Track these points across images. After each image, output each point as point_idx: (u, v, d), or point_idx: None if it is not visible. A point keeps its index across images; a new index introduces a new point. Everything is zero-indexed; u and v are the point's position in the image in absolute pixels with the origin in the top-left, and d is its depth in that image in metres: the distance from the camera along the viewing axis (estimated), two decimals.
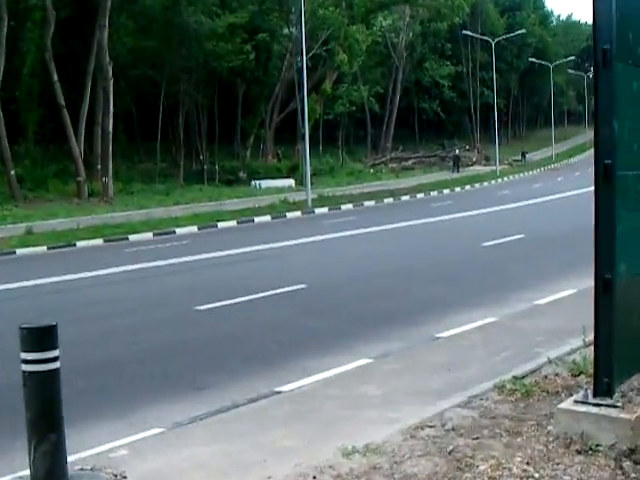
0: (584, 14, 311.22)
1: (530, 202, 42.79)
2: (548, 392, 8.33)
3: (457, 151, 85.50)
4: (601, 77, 6.54)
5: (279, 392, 9.50)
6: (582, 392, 7.07)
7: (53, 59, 51.43)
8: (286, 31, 71.72)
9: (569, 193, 48.98)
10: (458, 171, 77.70)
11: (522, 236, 25.75)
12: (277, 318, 14.39)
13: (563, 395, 8.14)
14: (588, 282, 16.02)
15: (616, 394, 6.84)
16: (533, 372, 9.21)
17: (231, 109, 73.82)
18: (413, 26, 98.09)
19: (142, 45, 64.01)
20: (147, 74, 65.36)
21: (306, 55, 52.48)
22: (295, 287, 17.21)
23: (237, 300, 15.94)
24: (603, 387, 6.77)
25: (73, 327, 13.16)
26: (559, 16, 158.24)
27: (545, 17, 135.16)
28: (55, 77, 50.81)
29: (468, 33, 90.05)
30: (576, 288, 15.11)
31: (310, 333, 13.03)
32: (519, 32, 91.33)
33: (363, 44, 71.67)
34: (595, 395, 6.81)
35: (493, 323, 12.68)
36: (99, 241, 31.26)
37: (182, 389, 10.08)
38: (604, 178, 6.55)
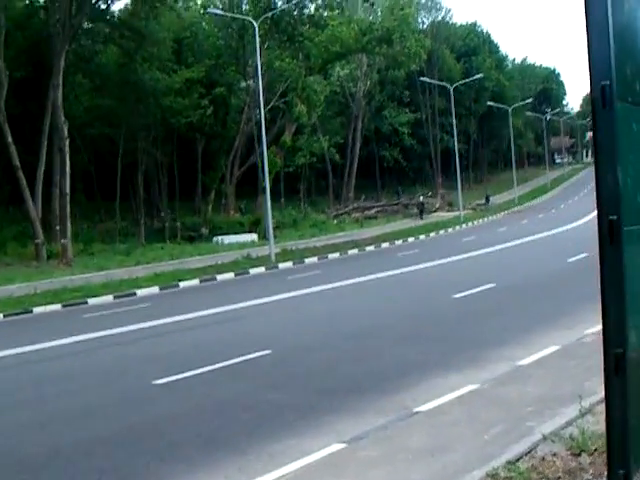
0: (538, 57, 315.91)
1: (497, 248, 42.10)
2: (549, 479, 7.24)
3: (422, 198, 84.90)
4: (601, 118, 5.54)
5: None
6: None
7: (8, 120, 50.33)
8: (243, 84, 71.02)
9: (535, 236, 48.54)
10: (422, 218, 76.98)
11: (493, 285, 24.99)
12: (239, 392, 13.26)
13: None
14: (568, 336, 15.31)
15: None
16: (528, 453, 8.13)
17: (191, 165, 72.98)
18: (371, 75, 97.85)
19: (98, 103, 63.15)
20: (104, 132, 64.48)
21: (264, 108, 51.74)
22: (259, 353, 16.14)
23: (197, 371, 14.85)
24: None
25: (12, 413, 11.97)
26: (514, 60, 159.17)
27: (500, 61, 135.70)
28: (10, 139, 49.66)
29: (426, 80, 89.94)
30: (558, 344, 14.30)
31: (275, 409, 11.88)
32: (476, 77, 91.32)
33: (321, 95, 71.24)
34: None
35: (475, 392, 11.55)
36: (57, 306, 29.92)
37: None
38: (610, 237, 5.50)
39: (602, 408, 9.20)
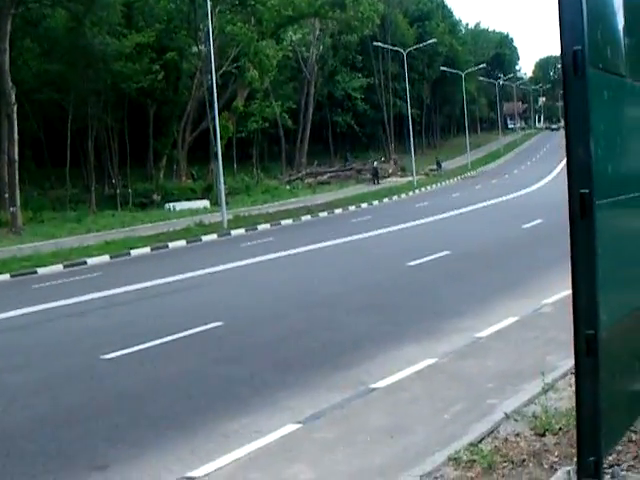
0: (491, 22, 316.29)
1: (451, 214, 42.00)
2: (513, 462, 6.95)
3: (375, 163, 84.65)
4: (572, 86, 5.20)
5: (191, 479, 7.96)
6: (562, 474, 5.71)
7: None
8: (195, 49, 70.03)
9: (488, 202, 48.55)
10: (378, 183, 76.79)
11: (448, 252, 24.82)
12: (190, 367, 12.88)
13: (531, 465, 6.78)
14: (527, 306, 15.09)
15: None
16: (490, 433, 7.83)
17: (142, 130, 72.10)
18: (323, 39, 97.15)
19: (47, 68, 62.03)
20: (53, 98, 63.39)
21: (216, 73, 51.10)
22: (211, 325, 15.76)
23: (147, 345, 14.43)
24: (590, 469, 5.46)
25: None
26: (467, 25, 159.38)
27: (454, 26, 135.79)
28: None
29: (379, 44, 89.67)
30: (517, 315, 14.07)
31: (228, 384, 11.53)
32: (430, 42, 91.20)
33: (273, 59, 70.48)
34: (580, 478, 5.48)
35: (434, 366, 11.21)
36: (5, 276, 29.33)
37: (80, 470, 8.53)
38: (581, 212, 5.18)
39: (564, 384, 8.99)
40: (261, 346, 14.08)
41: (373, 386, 10.44)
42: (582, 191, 5.17)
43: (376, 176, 79.03)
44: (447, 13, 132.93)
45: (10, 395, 12.00)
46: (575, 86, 5.17)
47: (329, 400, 10.08)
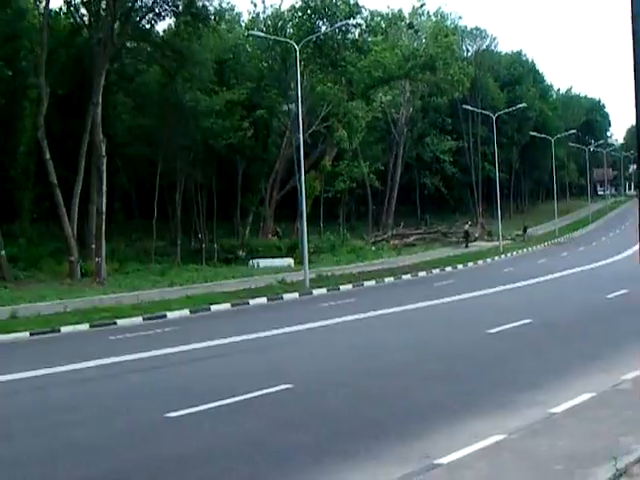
0: (583, 87, 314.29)
1: (535, 280, 41.51)
2: None
3: (467, 226, 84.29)
4: None
5: None
6: None
7: (50, 137, 50.43)
8: (285, 108, 70.55)
9: (575, 270, 47.93)
10: (468, 246, 76.39)
11: (529, 321, 24.30)
12: (253, 430, 12.56)
13: None
14: (605, 381, 14.49)
15: None
16: None
17: (230, 186, 72.60)
18: (413, 101, 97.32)
19: (138, 123, 63.16)
20: (144, 152, 64.32)
21: (305, 132, 51.47)
22: (280, 387, 15.48)
23: (214, 404, 14.19)
24: None
25: (19, 442, 11.36)
26: (559, 90, 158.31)
27: (545, 91, 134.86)
28: (47, 155, 49.51)
29: (468, 108, 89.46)
30: (594, 390, 13.49)
31: (289, 451, 11.15)
32: (519, 106, 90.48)
33: (363, 120, 70.73)
34: None
35: (501, 443, 10.64)
36: (85, 326, 29.41)
37: None
38: None
39: (639, 470, 8.45)
40: (328, 412, 13.73)
41: (437, 461, 9.98)
42: None
43: (467, 239, 78.61)
44: (538, 78, 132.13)
45: (67, 452, 11.79)
46: None
47: (391, 474, 9.65)
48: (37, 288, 43.90)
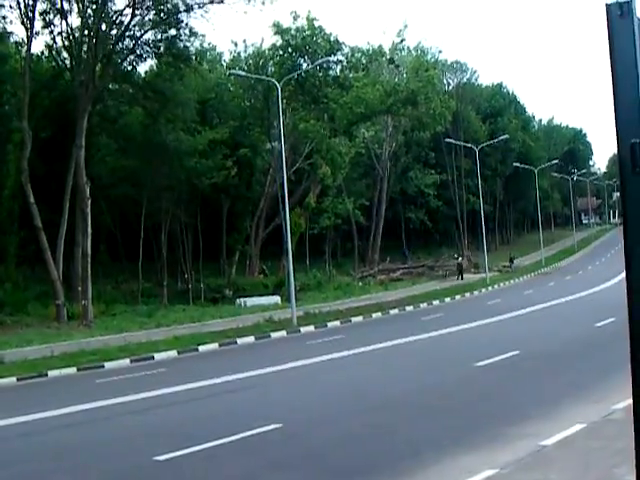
0: (565, 117, 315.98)
1: (523, 311, 41.50)
2: None
3: (460, 259, 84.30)
4: (630, 183, 4.72)
5: None
6: None
7: (34, 180, 50.48)
8: (268, 146, 70.69)
9: (562, 299, 47.95)
10: (462, 278, 76.47)
11: (517, 352, 24.15)
12: (243, 471, 12.42)
13: None
14: (595, 411, 14.40)
15: None
16: None
17: (215, 225, 72.58)
18: (396, 136, 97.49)
19: (122, 164, 63.11)
20: (128, 193, 64.25)
21: (289, 169, 51.47)
22: (270, 427, 15.33)
23: (203, 446, 14.02)
24: None
25: None
26: (540, 120, 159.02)
27: (527, 122, 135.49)
28: (32, 199, 49.44)
29: (451, 141, 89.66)
30: (585, 421, 13.39)
31: None
32: (502, 138, 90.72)
33: (346, 156, 70.84)
34: None
35: (493, 478, 10.55)
36: (72, 370, 29.19)
37: None
38: None
39: None
40: (318, 451, 13.60)
41: None
42: None
43: (460, 272, 78.72)
44: (520, 109, 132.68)
45: None
46: (633, 182, 4.72)
47: None
48: (24, 332, 43.69)
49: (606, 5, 4.53)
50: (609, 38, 4.57)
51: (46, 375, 28.19)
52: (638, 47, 4.49)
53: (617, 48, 4.51)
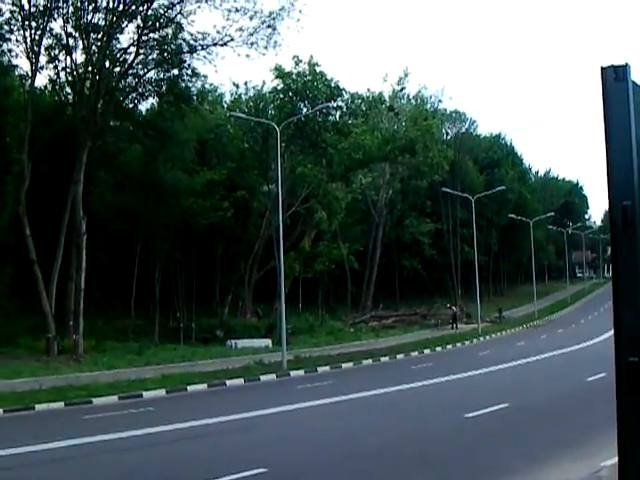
0: (562, 170, 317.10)
1: (514, 363, 41.46)
2: None
3: (454, 308, 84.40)
4: (621, 243, 4.72)
5: None
6: None
7: (31, 212, 50.65)
8: (265, 188, 70.96)
9: (553, 352, 47.86)
10: (457, 327, 76.58)
11: (507, 405, 24.02)
12: None
13: None
14: (584, 468, 14.33)
15: None
16: None
17: (210, 265, 72.58)
18: (393, 184, 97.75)
19: (120, 200, 63.04)
20: (124, 230, 64.24)
21: (285, 213, 51.52)
22: (254, 472, 15.14)
23: None
24: None
25: None
26: (537, 172, 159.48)
27: (524, 174, 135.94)
28: (28, 231, 49.61)
29: (448, 190, 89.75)
30: (573, 479, 13.26)
31: None
32: (498, 189, 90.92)
33: (342, 202, 71.17)
34: None
35: None
36: (60, 404, 29.06)
37: None
38: (629, 382, 4.66)
39: None
40: None
41: None
42: (631, 359, 4.69)
43: (455, 321, 78.77)
44: (517, 160, 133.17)
45: None
46: (623, 244, 4.73)
47: None
48: (13, 364, 43.44)
49: (601, 68, 4.57)
50: (604, 101, 4.61)
51: (33, 408, 28.09)
52: (632, 111, 4.53)
53: (611, 111, 4.55)
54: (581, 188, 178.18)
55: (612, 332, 4.39)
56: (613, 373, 4.59)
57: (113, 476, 16.12)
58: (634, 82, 4.61)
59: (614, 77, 4.55)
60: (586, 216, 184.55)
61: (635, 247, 4.67)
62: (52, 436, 20.84)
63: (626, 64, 4.57)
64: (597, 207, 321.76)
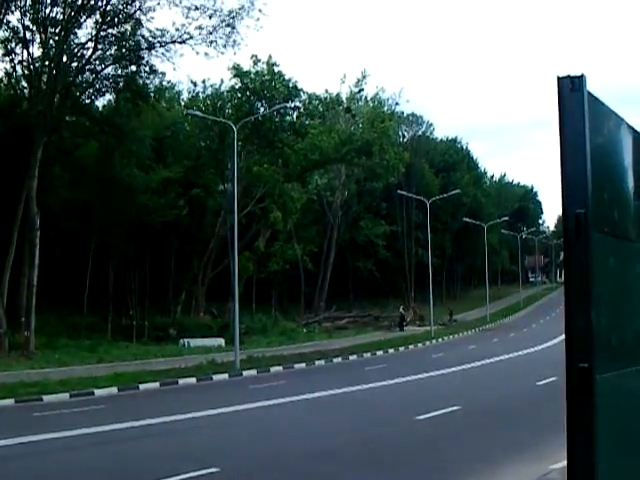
0: (516, 175, 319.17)
1: (466, 366, 41.64)
2: None
3: (402, 309, 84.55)
4: (573, 251, 4.81)
5: None
6: None
7: None
8: (221, 187, 70.83)
9: (504, 356, 48.24)
10: (403, 330, 76.91)
11: (458, 407, 24.19)
12: None
13: None
14: (533, 471, 14.49)
15: None
16: None
17: (164, 264, 72.32)
18: (348, 185, 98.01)
19: (74, 196, 62.55)
20: (78, 226, 63.77)
21: (240, 212, 51.38)
22: (205, 471, 15.16)
23: None
24: None
25: None
26: (492, 176, 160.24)
27: (479, 177, 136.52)
28: None
29: (403, 193, 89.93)
30: None
31: None
32: (454, 192, 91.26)
33: (298, 202, 71.13)
34: None
35: None
36: (10, 401, 28.83)
37: None
38: (580, 387, 4.75)
39: None
40: None
41: None
42: (581, 365, 4.77)
43: (402, 323, 79.06)
44: (473, 164, 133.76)
45: None
46: (576, 251, 4.81)
47: None
48: None
49: (558, 78, 4.65)
50: (559, 110, 4.69)
51: None
52: (587, 121, 4.62)
53: (567, 121, 4.64)
54: (535, 193, 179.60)
55: (563, 337, 4.49)
56: (563, 377, 4.68)
57: (63, 474, 16.02)
58: (589, 93, 4.70)
59: (570, 87, 4.63)
60: (540, 221, 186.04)
61: (587, 254, 4.75)
62: (1, 433, 20.67)
63: (582, 75, 4.66)
64: (551, 212, 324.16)
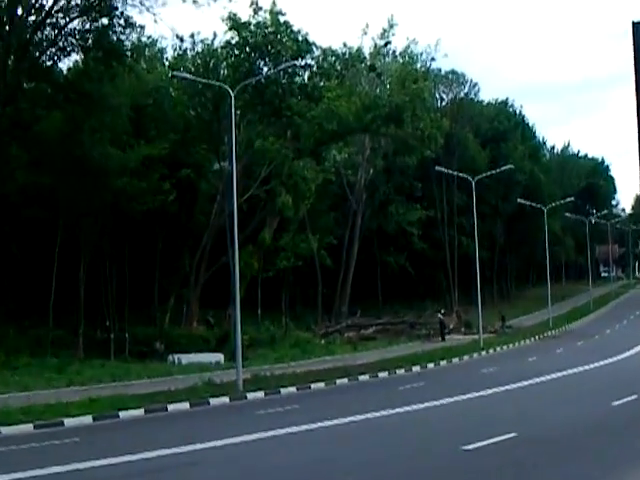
0: (583, 145, 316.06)
1: (523, 384, 41.71)
2: None
3: (440, 315, 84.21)
4: None
5: None
6: None
7: None
8: (216, 166, 70.85)
9: (572, 370, 48.19)
10: (444, 339, 77.01)
11: (514, 435, 24.13)
12: None
13: None
14: None
15: None
16: None
17: (147, 263, 72.53)
18: (374, 161, 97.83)
19: (35, 181, 62.52)
20: (40, 217, 63.86)
21: (241, 197, 51.37)
22: None
23: None
24: None
25: None
26: (553, 147, 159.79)
27: (536, 149, 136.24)
28: None
29: (442, 169, 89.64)
30: None
31: None
32: (505, 168, 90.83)
33: (312, 183, 71.09)
34: None
35: None
36: None
37: None
38: None
39: None
40: None
41: None
42: None
43: (442, 330, 79.06)
44: (528, 133, 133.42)
45: None
46: None
47: None
48: None
49: (633, 23, 4.63)
50: (635, 58, 4.67)
51: None
52: None
53: None
54: (607, 167, 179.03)
55: None
56: None
57: None
58: None
59: None
60: (613, 202, 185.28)
61: None
62: None
63: None
64: (626, 192, 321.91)
